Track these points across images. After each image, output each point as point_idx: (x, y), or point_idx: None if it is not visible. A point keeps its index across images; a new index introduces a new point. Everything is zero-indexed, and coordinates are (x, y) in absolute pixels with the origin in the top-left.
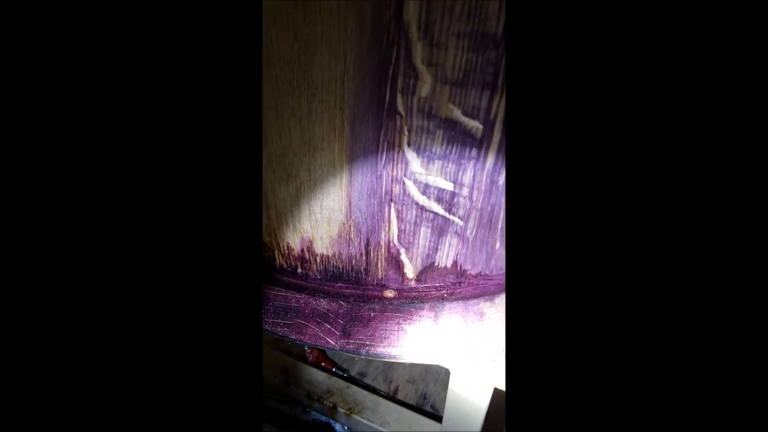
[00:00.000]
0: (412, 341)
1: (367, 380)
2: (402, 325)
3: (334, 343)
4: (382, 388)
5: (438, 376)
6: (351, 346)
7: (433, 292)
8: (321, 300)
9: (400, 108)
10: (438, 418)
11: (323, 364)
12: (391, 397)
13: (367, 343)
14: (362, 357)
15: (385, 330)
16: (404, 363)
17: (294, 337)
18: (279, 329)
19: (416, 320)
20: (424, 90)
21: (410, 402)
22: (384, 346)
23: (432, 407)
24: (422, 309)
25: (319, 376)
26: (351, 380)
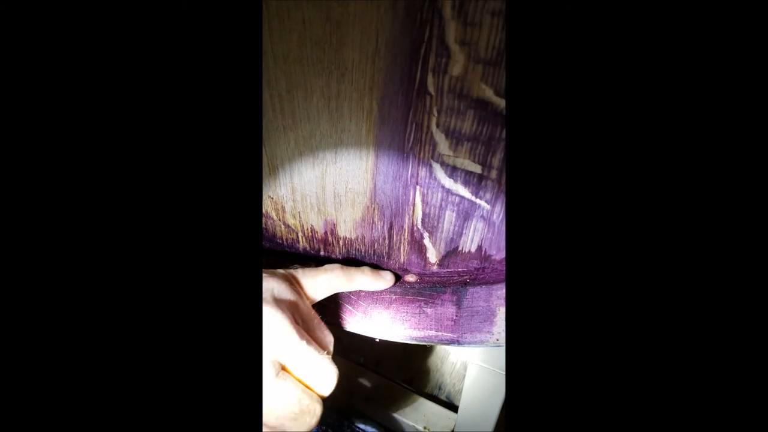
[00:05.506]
0: (434, 324)
1: (382, 368)
2: (423, 309)
3: (355, 324)
4: (397, 376)
5: (453, 368)
6: (372, 328)
7: (455, 277)
8: None
9: (431, 88)
10: (453, 408)
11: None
12: (407, 386)
13: (389, 325)
14: (383, 339)
15: (407, 312)
16: (420, 351)
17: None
18: None
19: (438, 304)
20: (456, 69)
21: (426, 391)
22: (405, 329)
23: (447, 397)
24: (444, 293)
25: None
26: (366, 367)
